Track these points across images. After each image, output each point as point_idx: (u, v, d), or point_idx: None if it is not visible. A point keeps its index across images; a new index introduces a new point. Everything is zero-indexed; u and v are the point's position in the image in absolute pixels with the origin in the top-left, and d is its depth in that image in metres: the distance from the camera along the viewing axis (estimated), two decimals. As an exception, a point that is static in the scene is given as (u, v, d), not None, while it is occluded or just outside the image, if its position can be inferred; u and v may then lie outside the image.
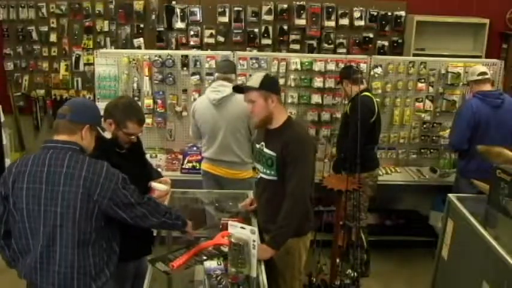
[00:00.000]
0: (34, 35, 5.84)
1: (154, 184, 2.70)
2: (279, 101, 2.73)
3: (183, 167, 4.34)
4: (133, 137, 2.59)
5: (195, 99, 4.10)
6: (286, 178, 2.65)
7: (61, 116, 2.21)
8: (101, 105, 2.64)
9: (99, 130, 2.32)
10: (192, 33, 5.65)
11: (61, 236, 2.12)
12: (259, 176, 2.88)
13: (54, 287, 2.17)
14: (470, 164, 3.75)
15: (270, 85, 2.70)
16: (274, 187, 2.74)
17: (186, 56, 4.46)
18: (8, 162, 4.63)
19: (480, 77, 3.82)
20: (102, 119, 2.51)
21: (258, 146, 2.84)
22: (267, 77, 2.72)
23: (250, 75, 4.40)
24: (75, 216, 2.11)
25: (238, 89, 2.90)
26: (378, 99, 4.13)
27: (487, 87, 3.85)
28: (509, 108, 3.79)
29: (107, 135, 2.46)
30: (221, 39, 5.67)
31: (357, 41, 5.69)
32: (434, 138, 4.65)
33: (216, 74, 3.79)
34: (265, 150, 2.74)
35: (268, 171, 2.76)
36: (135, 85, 4.47)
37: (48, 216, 2.11)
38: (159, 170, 3.81)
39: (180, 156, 4.47)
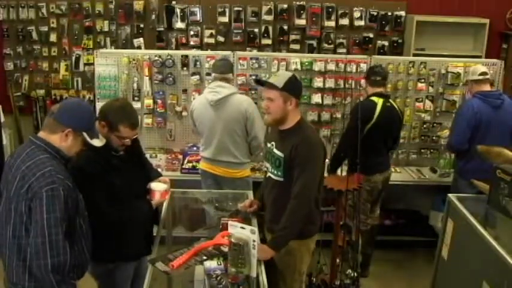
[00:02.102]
0: (34, 35, 5.84)
1: (153, 185, 2.69)
2: (297, 104, 2.69)
3: (183, 167, 4.34)
4: (127, 140, 2.55)
5: (195, 99, 4.11)
6: (293, 180, 2.63)
7: (50, 112, 2.23)
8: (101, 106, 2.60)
9: (85, 136, 2.25)
10: (192, 33, 5.65)
11: (7, 227, 2.16)
12: (267, 175, 2.87)
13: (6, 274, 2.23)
14: (469, 165, 3.74)
15: (293, 88, 2.65)
16: (281, 188, 2.73)
17: (186, 56, 4.46)
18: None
19: (481, 77, 3.81)
20: (97, 121, 2.46)
21: (268, 145, 2.83)
22: (292, 79, 2.67)
23: (250, 75, 4.42)
24: (12, 206, 2.13)
25: (260, 82, 2.88)
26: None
27: (487, 87, 3.84)
28: (509, 109, 3.79)
29: (97, 142, 2.32)
30: (221, 39, 5.67)
31: (357, 41, 5.69)
32: (434, 138, 4.65)
33: (213, 74, 3.78)
34: (275, 150, 2.74)
35: (275, 172, 2.75)
36: (135, 85, 4.47)
37: (4, 203, 2.19)
38: (159, 170, 3.82)
39: (180, 156, 4.47)
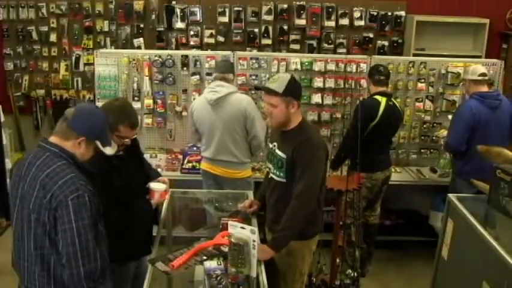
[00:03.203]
0: (34, 35, 5.84)
1: (152, 185, 2.70)
2: (298, 106, 2.69)
3: (183, 167, 4.34)
4: (126, 140, 2.56)
5: (195, 99, 4.11)
6: (295, 180, 2.63)
7: (64, 117, 2.17)
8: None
9: (97, 144, 2.21)
10: (192, 33, 5.65)
11: (27, 238, 2.11)
12: (269, 176, 2.87)
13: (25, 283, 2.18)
14: (468, 165, 3.74)
15: (294, 91, 2.64)
16: (283, 189, 2.73)
17: (186, 56, 4.46)
18: (8, 162, 4.63)
19: (480, 78, 3.82)
20: None
21: (270, 145, 2.84)
22: (291, 81, 2.64)
23: (250, 75, 4.42)
24: (32, 217, 2.07)
25: (260, 88, 2.87)
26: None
27: (485, 88, 3.84)
28: (506, 109, 3.80)
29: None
30: (221, 39, 5.67)
31: (357, 41, 5.69)
32: (434, 138, 4.65)
33: (214, 74, 3.81)
34: (277, 151, 2.74)
35: (278, 173, 2.75)
36: (135, 85, 4.47)
37: (21, 214, 2.13)
38: (159, 170, 3.83)
39: (180, 156, 4.47)
